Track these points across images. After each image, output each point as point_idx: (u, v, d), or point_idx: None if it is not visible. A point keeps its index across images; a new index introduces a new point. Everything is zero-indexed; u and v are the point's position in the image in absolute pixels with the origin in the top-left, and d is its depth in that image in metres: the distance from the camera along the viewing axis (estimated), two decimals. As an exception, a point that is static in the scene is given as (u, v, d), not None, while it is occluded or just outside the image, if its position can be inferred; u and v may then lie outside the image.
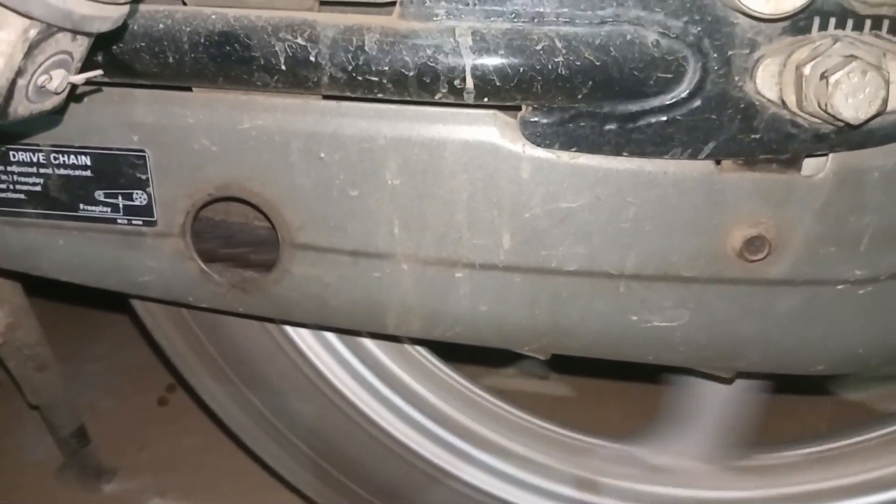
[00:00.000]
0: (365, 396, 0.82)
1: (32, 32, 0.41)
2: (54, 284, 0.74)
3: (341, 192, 0.62)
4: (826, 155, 0.57)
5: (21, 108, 0.43)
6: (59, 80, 0.44)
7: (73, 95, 0.46)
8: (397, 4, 0.56)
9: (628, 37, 0.54)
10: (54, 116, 0.52)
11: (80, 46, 0.44)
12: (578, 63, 0.54)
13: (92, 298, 0.75)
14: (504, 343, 0.67)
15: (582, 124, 0.57)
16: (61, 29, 0.41)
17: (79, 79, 0.45)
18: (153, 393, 1.33)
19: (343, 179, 0.62)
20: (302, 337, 0.81)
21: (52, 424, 1.10)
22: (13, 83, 0.42)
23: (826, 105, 0.51)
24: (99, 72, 0.46)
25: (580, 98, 0.56)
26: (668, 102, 0.55)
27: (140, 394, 1.33)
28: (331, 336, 0.81)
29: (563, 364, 0.72)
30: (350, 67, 0.56)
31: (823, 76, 0.51)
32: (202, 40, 0.57)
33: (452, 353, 0.81)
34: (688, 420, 0.84)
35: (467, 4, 0.55)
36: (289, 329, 0.79)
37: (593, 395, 1.24)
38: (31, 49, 0.41)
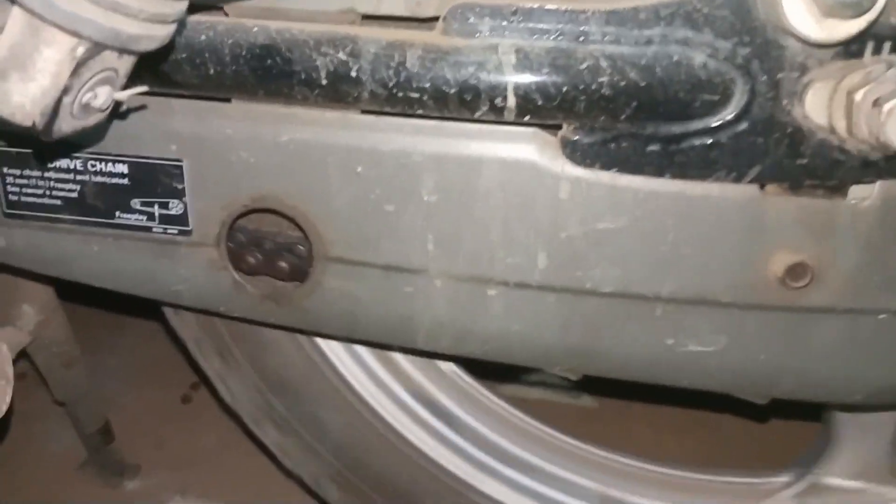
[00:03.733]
0: (391, 408, 0.82)
1: (80, 50, 0.40)
2: (80, 283, 0.74)
3: (376, 206, 0.62)
4: (874, 182, 0.56)
5: (66, 125, 0.43)
6: (104, 97, 0.43)
7: (117, 110, 0.46)
8: (440, 20, 0.56)
9: (675, 58, 0.53)
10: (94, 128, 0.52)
11: (125, 63, 0.44)
12: (623, 83, 0.54)
13: (117, 296, 0.75)
14: (535, 362, 0.66)
15: (624, 144, 0.56)
16: (108, 47, 0.41)
17: (123, 95, 0.45)
18: (176, 390, 1.34)
19: (379, 194, 0.61)
20: (331, 347, 0.80)
21: (76, 421, 1.11)
22: (59, 101, 0.41)
23: (878, 133, 0.50)
24: (143, 88, 0.46)
25: (623, 118, 0.55)
26: (713, 125, 0.54)
27: (163, 391, 1.33)
28: (359, 347, 0.81)
29: (587, 377, 0.71)
30: (391, 83, 0.55)
31: (876, 103, 0.49)
32: (243, 53, 0.56)
33: (474, 361, 0.80)
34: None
35: (511, 22, 0.55)
36: (318, 339, 0.79)
37: (618, 407, 1.23)
38: (78, 67, 0.41)
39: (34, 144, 0.67)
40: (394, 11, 0.57)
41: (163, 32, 0.42)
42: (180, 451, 1.22)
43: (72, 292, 0.95)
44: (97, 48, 0.41)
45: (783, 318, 0.60)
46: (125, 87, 0.46)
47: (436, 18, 0.56)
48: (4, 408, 0.63)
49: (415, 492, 0.84)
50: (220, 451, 1.21)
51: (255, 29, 0.57)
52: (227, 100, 0.61)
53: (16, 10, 0.41)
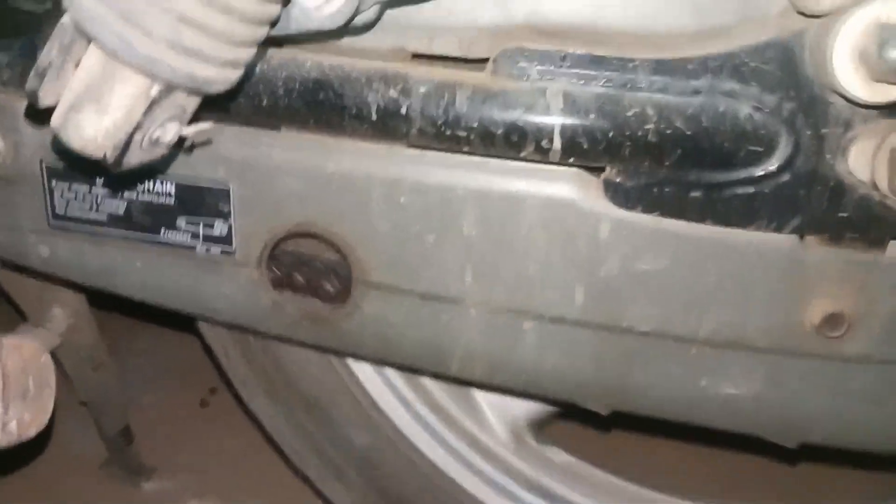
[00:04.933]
0: (419, 431, 0.83)
1: (155, 90, 0.42)
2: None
3: (418, 237, 0.63)
4: (914, 236, 0.57)
5: (134, 158, 0.44)
6: (172, 132, 0.45)
7: (181, 144, 0.47)
8: (490, 62, 0.57)
9: (721, 108, 0.54)
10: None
11: (193, 101, 0.45)
12: (669, 131, 0.55)
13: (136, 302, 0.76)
14: (567, 397, 0.67)
15: (667, 189, 0.57)
16: (182, 88, 0.42)
17: (190, 131, 0.46)
18: (195, 394, 1.35)
19: (420, 226, 0.62)
20: (360, 366, 0.81)
21: (99, 422, 1.12)
22: (130, 137, 0.43)
23: (920, 192, 0.51)
24: (209, 125, 0.47)
25: (667, 164, 0.56)
26: (756, 175, 0.55)
27: (182, 394, 1.34)
28: (388, 369, 0.82)
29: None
30: (439, 122, 0.56)
31: (920, 163, 0.50)
32: (297, 85, 0.58)
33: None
34: None
35: (560, 67, 0.56)
36: (349, 360, 0.80)
37: (639, 438, 1.23)
38: (152, 106, 0.42)
39: (84, 162, 0.68)
40: (444, 51, 0.58)
41: (234, 76, 0.44)
42: (198, 455, 1.22)
43: (93, 296, 0.97)
44: (171, 89, 0.42)
45: (818, 366, 0.60)
46: (190, 122, 0.47)
47: (486, 60, 0.57)
48: (48, 417, 0.65)
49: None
50: (237, 456, 1.22)
51: (308, 63, 0.58)
52: (277, 128, 0.63)
53: (93, 48, 0.42)
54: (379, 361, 0.78)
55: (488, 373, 0.67)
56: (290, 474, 1.07)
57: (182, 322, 0.86)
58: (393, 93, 0.56)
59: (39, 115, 0.48)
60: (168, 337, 1.42)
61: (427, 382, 0.83)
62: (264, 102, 0.58)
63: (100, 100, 0.43)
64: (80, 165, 0.67)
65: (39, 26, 0.63)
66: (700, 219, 0.57)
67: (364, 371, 0.80)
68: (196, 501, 1.16)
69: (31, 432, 0.64)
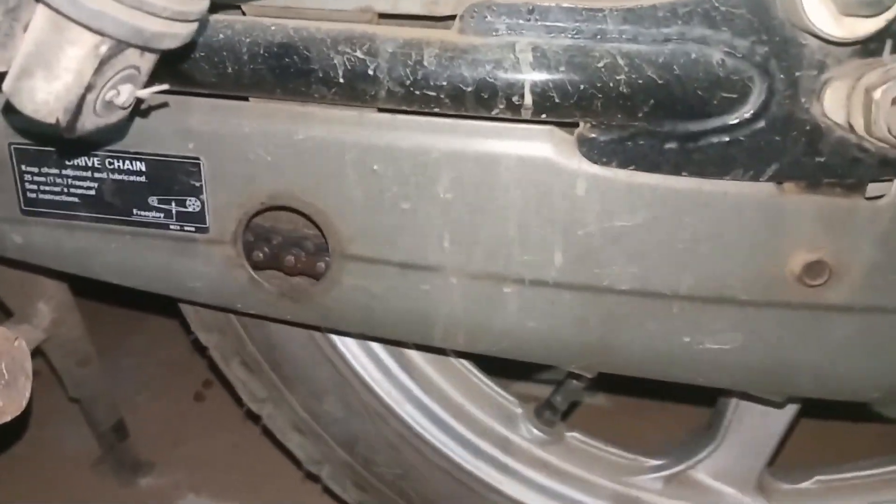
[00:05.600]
0: (407, 406, 0.82)
1: (103, 49, 0.41)
2: (94, 280, 0.74)
3: (393, 204, 0.62)
4: (891, 180, 0.56)
5: (88, 122, 0.43)
6: (126, 94, 0.44)
7: (138, 108, 0.46)
8: (457, 19, 0.56)
9: (693, 55, 0.53)
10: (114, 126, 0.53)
11: (147, 61, 0.44)
12: (640, 81, 0.54)
13: (129, 294, 0.75)
14: (551, 360, 0.66)
15: (641, 142, 0.56)
16: (131, 45, 0.41)
17: (145, 93, 0.45)
18: (189, 388, 1.34)
19: (395, 192, 0.61)
20: (343, 340, 0.81)
21: (91, 418, 1.11)
22: (82, 98, 0.42)
23: (896, 131, 0.50)
24: (165, 86, 0.47)
25: (641, 116, 0.55)
26: (731, 123, 0.54)
27: (176, 389, 1.34)
28: (374, 343, 0.81)
29: (601, 375, 0.71)
30: (408, 82, 0.55)
31: (895, 101, 0.49)
32: (261, 51, 0.57)
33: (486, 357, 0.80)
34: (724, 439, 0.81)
35: (528, 20, 0.55)
36: (333, 335, 0.80)
37: (629, 406, 1.23)
38: (102, 65, 0.41)
39: (52, 142, 0.67)
40: (410, 10, 0.57)
41: (185, 31, 0.43)
42: (194, 450, 1.22)
43: (84, 289, 0.96)
44: (120, 46, 0.41)
45: (801, 316, 0.59)
46: (146, 85, 0.46)
47: (452, 17, 0.56)
48: (24, 403, 0.64)
49: (432, 491, 0.84)
50: (233, 451, 1.21)
51: (273, 27, 0.57)
52: (245, 98, 0.62)
53: (40, 9, 0.41)
54: (361, 336, 0.77)
55: (471, 340, 0.66)
56: (286, 467, 1.07)
57: (171, 310, 0.86)
58: (360, 54, 0.55)
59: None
60: (161, 330, 1.42)
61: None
62: (229, 70, 0.57)
63: (50, 63, 0.42)
64: (44, 141, 0.67)
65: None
66: (676, 171, 0.57)
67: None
68: (192, 496, 1.16)
69: (6, 419, 0.63)
